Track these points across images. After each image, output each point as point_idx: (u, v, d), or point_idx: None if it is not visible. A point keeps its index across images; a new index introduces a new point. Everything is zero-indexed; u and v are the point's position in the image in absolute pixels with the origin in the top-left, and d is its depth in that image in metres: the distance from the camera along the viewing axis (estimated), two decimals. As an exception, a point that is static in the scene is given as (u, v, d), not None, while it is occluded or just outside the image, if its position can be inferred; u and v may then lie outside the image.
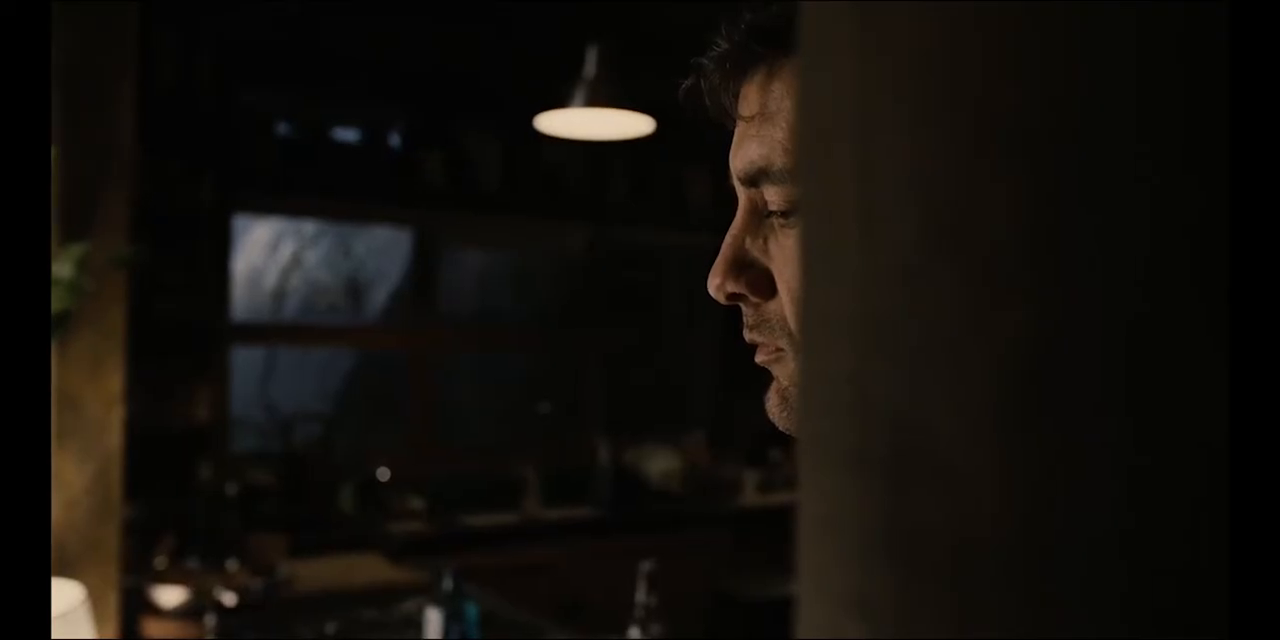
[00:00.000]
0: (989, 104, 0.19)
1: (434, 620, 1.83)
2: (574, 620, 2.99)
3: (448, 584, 1.83)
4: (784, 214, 0.56)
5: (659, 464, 4.11)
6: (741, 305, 0.60)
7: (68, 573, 1.66)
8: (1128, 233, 0.19)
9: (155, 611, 2.24)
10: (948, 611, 0.20)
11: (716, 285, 0.59)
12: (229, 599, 2.25)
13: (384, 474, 3.52)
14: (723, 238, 0.60)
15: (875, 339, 0.21)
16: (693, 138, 4.32)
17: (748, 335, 0.61)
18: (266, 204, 3.74)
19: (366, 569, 2.81)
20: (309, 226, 4.56)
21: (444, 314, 4.09)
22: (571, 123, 2.82)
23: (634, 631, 1.78)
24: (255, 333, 3.95)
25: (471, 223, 3.97)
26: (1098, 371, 0.18)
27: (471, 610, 1.83)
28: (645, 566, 1.79)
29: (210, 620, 2.12)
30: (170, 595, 2.24)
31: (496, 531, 3.52)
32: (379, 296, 4.46)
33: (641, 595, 1.79)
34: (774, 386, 0.61)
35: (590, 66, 2.70)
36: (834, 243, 0.22)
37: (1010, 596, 0.19)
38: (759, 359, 0.61)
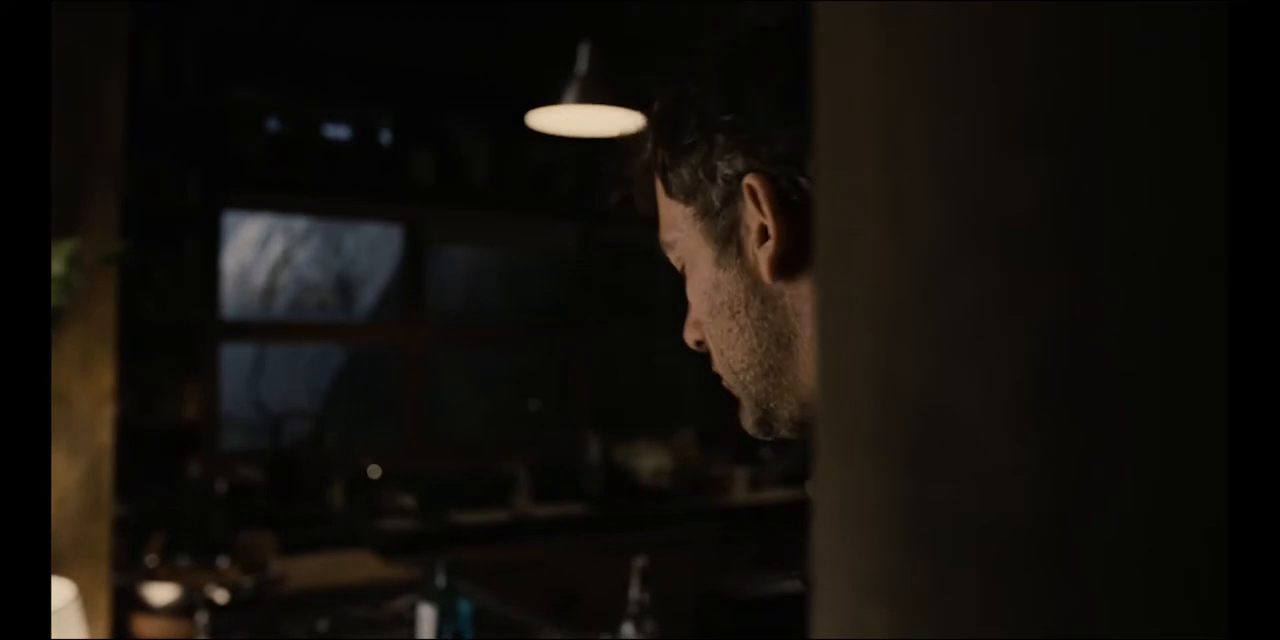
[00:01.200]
0: (1013, 94, 0.20)
1: (427, 617, 1.83)
2: (565, 617, 2.99)
3: (441, 580, 1.83)
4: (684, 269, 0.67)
5: (649, 461, 4.11)
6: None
7: (58, 571, 1.65)
8: (1151, 220, 0.19)
9: (146, 609, 2.23)
10: (971, 593, 0.20)
11: (690, 339, 0.68)
12: (221, 596, 2.24)
13: (374, 471, 3.51)
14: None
15: (898, 325, 0.21)
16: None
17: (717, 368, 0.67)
18: (256, 201, 3.73)
19: (357, 566, 2.81)
20: (299, 224, 4.54)
21: (434, 311, 4.08)
22: (563, 120, 2.82)
23: (628, 628, 1.78)
24: (245, 330, 3.94)
25: (462, 220, 3.97)
26: (1123, 357, 0.19)
27: (465, 607, 1.83)
28: (639, 562, 1.79)
29: (202, 618, 2.12)
30: (161, 593, 2.24)
31: (487, 528, 3.52)
32: (369, 294, 4.45)
33: (635, 591, 1.79)
34: (743, 411, 0.67)
35: (582, 63, 2.70)
36: (854, 230, 0.22)
37: (1033, 578, 0.19)
38: (726, 384, 0.68)
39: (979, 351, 0.20)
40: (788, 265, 0.56)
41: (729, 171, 0.57)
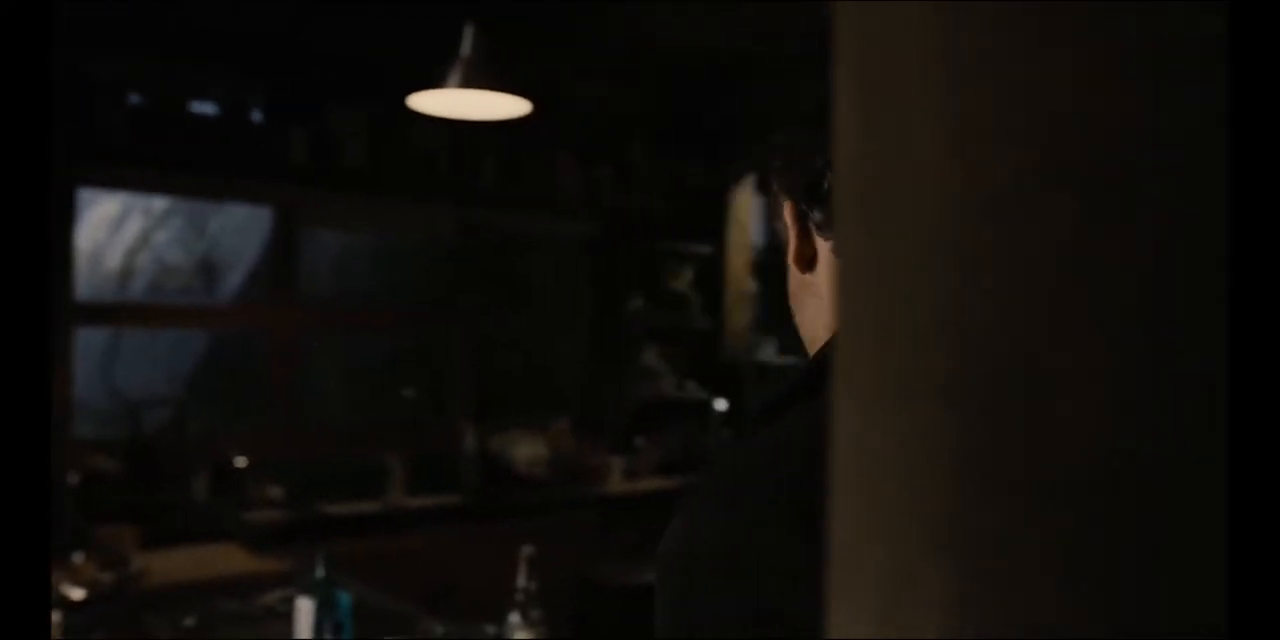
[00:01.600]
0: (1097, 32, 0.19)
1: (305, 609, 1.77)
2: (443, 608, 2.94)
3: (320, 572, 1.77)
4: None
5: (526, 450, 4.08)
6: None
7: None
8: (1235, 157, 0.19)
9: (-7, 608, 2.09)
10: (1048, 545, 0.19)
11: None
12: (76, 594, 2.12)
13: (240, 461, 3.38)
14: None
15: (972, 269, 0.20)
16: (566, 123, 4.30)
17: None
18: (114, 178, 3.53)
19: (225, 560, 2.70)
20: (158, 203, 4.34)
21: (305, 295, 3.95)
22: (446, 102, 2.77)
23: (514, 617, 1.76)
24: (100, 313, 3.74)
25: (336, 202, 3.85)
26: (1209, 297, 0.19)
27: (345, 599, 1.78)
28: (526, 551, 1.78)
29: (56, 617, 2.00)
30: (10, 590, 2.10)
31: (360, 520, 3.44)
32: (235, 277, 4.29)
33: (522, 580, 1.77)
34: None
35: (466, 46, 2.66)
36: (912, 177, 0.21)
37: (1118, 528, 0.19)
38: None
39: (1061, 293, 0.20)
40: (805, 261, 0.77)
41: (784, 202, 0.80)
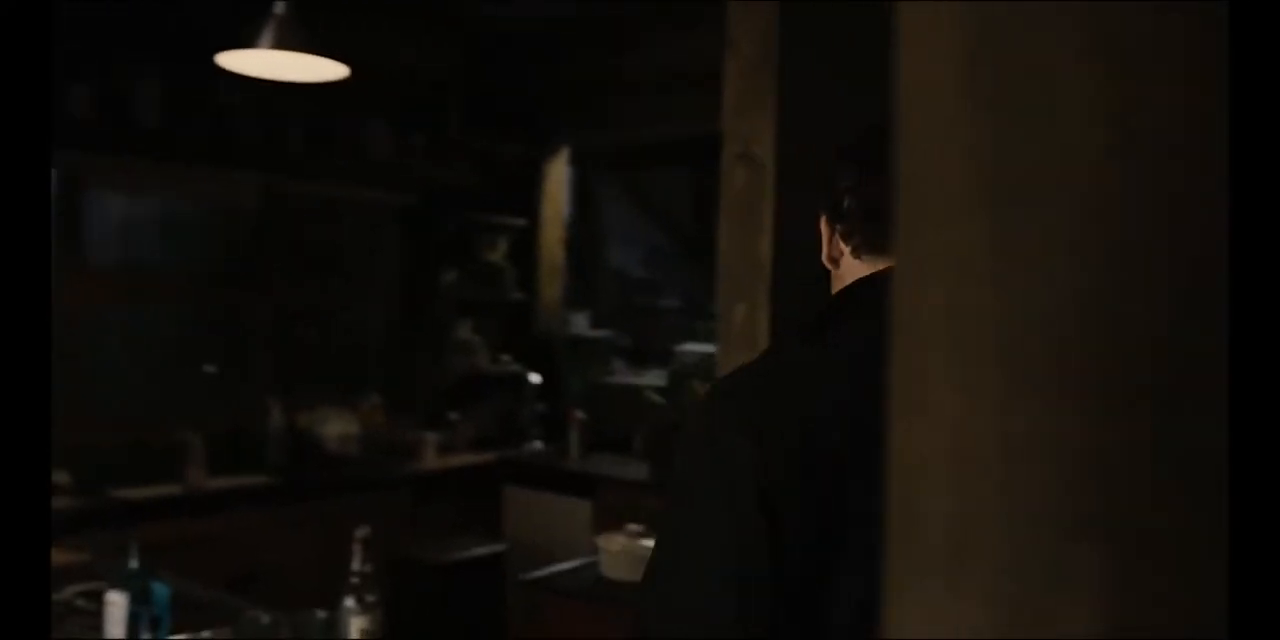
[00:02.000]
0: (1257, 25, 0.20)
1: (117, 604, 1.65)
2: (250, 593, 2.82)
3: (133, 563, 1.66)
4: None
5: (335, 427, 3.95)
6: None
7: None
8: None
9: None
10: (1212, 532, 0.20)
11: None
12: None
13: (20, 445, 3.11)
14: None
15: (1126, 262, 0.21)
16: (379, 90, 4.14)
17: None
18: None
19: (8, 552, 2.48)
20: (-87, 160, 3.90)
21: (88, 263, 3.66)
22: (256, 63, 2.62)
23: (349, 601, 1.71)
24: None
25: (127, 165, 3.58)
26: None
27: (161, 590, 1.68)
28: (361, 532, 1.72)
29: None
30: None
31: (158, 504, 3.24)
32: (6, 245, 3.91)
33: (356, 563, 1.72)
34: None
35: (280, 5, 2.52)
36: (1068, 171, 0.22)
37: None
38: None
39: (1211, 293, 0.20)
40: (833, 261, 1.00)
41: (821, 215, 1.02)
